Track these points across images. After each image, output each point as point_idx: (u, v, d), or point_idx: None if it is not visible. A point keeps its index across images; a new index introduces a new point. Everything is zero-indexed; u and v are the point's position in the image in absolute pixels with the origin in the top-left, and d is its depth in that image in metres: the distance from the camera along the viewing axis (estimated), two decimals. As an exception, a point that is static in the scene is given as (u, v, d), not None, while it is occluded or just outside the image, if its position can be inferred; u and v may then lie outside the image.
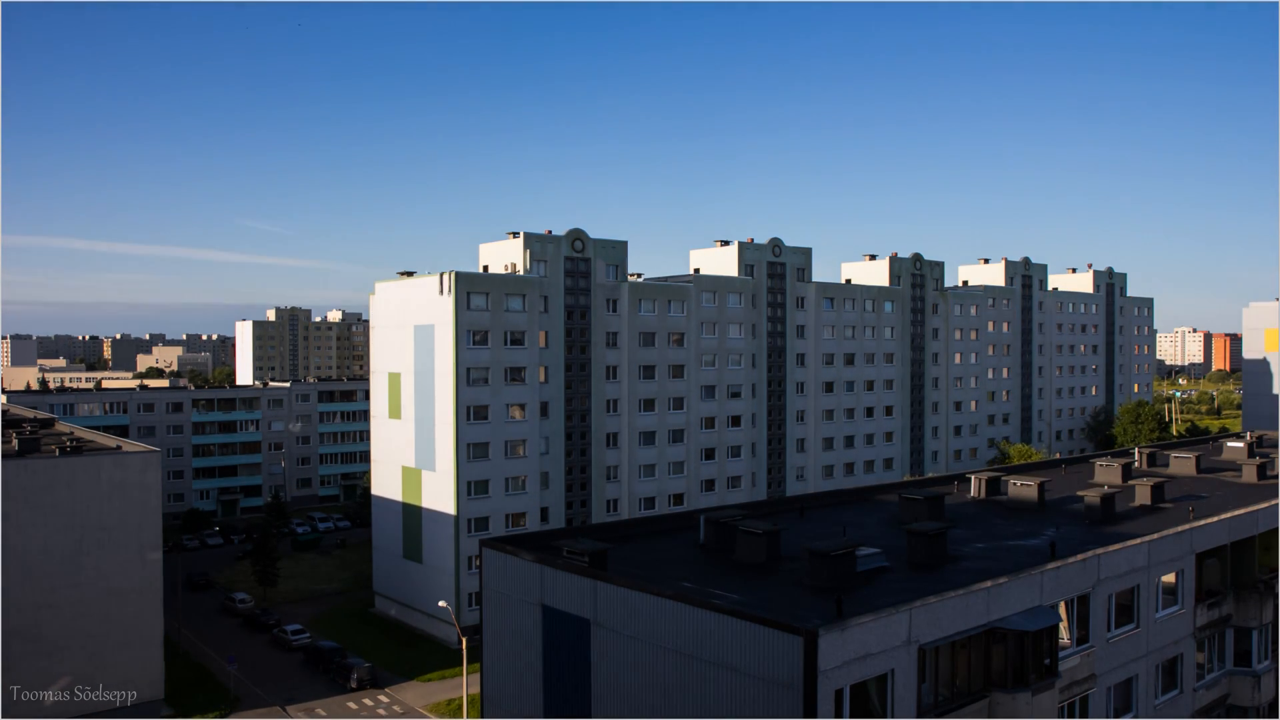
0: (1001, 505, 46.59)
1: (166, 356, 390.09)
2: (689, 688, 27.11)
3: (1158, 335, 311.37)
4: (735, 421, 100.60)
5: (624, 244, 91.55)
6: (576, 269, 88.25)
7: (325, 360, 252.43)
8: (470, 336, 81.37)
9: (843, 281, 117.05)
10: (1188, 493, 49.47)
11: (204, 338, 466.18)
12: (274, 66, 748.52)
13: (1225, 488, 51.39)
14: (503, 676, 34.62)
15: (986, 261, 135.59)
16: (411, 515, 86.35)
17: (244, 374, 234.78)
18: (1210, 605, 39.96)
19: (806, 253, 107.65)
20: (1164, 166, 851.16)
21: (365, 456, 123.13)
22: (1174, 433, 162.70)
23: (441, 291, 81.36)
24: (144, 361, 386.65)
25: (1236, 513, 41.59)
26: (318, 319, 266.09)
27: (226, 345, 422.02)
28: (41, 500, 59.39)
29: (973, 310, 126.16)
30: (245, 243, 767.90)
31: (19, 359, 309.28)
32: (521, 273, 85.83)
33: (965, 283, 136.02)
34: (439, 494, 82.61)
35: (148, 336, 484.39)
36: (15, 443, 66.22)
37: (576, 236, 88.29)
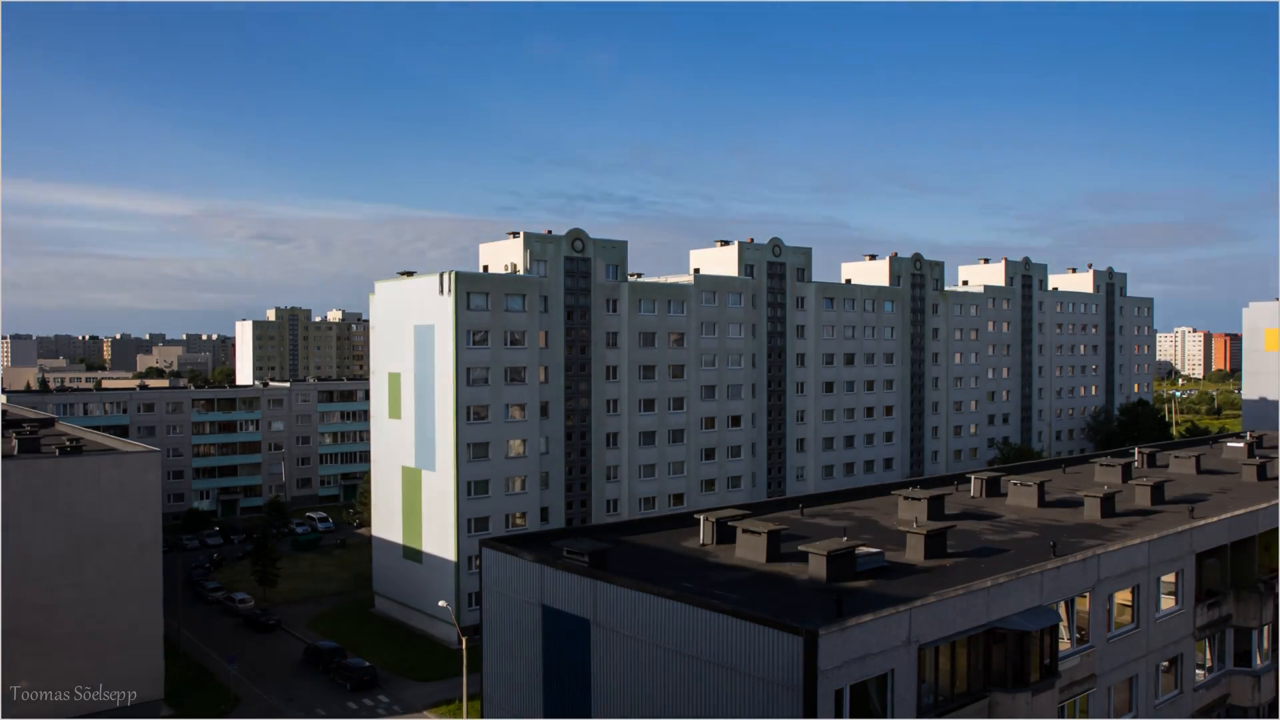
0: (1001, 505, 46.58)
1: (166, 356, 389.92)
2: (689, 688, 27.11)
3: (1158, 335, 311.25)
4: (735, 421, 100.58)
5: (624, 244, 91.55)
6: (576, 269, 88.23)
7: (325, 360, 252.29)
8: (470, 336, 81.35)
9: (843, 281, 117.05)
10: (1188, 493, 49.47)
11: (204, 338, 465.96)
12: (275, 66, 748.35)
13: (1225, 488, 51.39)
14: (503, 677, 34.61)
15: (986, 261, 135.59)
16: (411, 515, 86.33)
17: (244, 374, 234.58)
18: (1210, 605, 39.97)
19: (806, 253, 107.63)
20: (1164, 166, 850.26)
21: (365, 456, 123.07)
22: (1174, 434, 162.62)
23: (441, 291, 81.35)
24: (144, 361, 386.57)
25: (1236, 513, 41.61)
26: (318, 319, 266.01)
27: (226, 345, 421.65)
28: (41, 500, 59.28)
29: (973, 310, 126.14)
30: (245, 240, 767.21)
31: (19, 359, 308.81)
32: (521, 273, 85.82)
33: (965, 283, 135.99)
34: (439, 494, 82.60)
35: (148, 336, 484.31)
36: (15, 443, 66.13)
37: (576, 237, 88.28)
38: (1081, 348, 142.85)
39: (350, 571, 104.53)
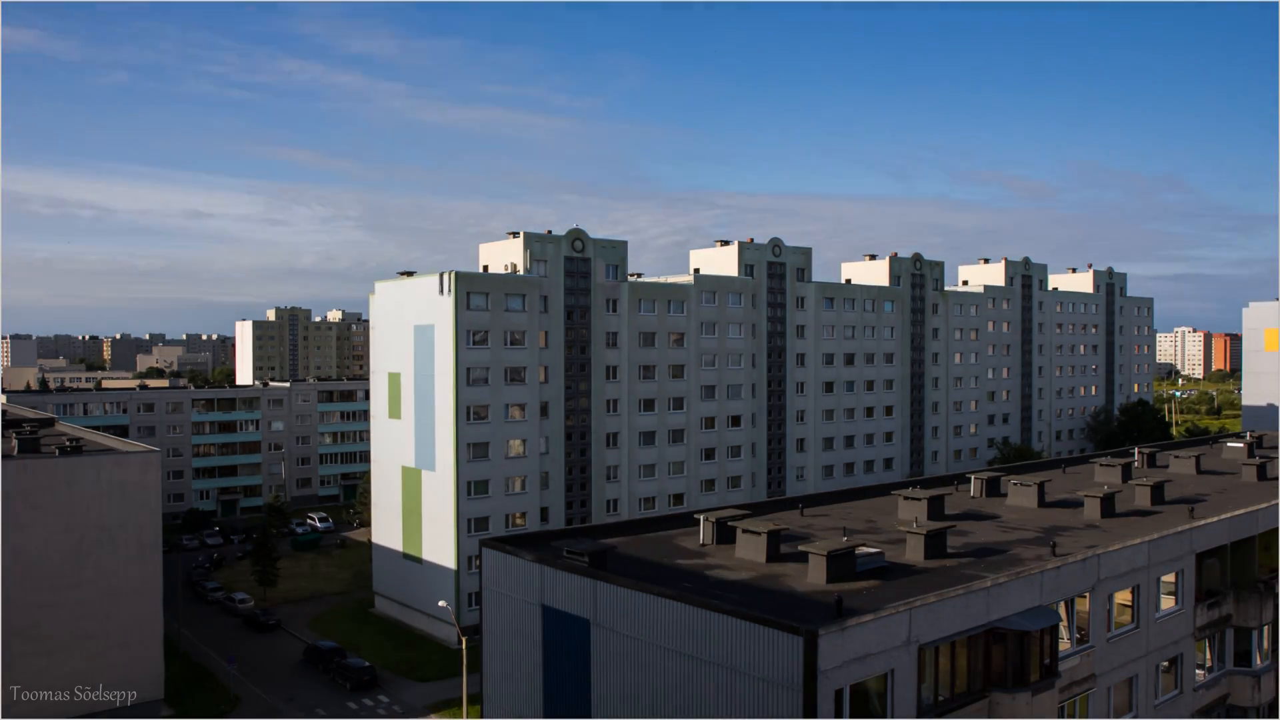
0: (1001, 505, 46.59)
1: (166, 356, 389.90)
2: (689, 688, 27.11)
3: (1158, 335, 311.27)
4: (735, 421, 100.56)
5: (624, 244, 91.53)
6: (576, 269, 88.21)
7: (325, 360, 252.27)
8: (470, 336, 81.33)
9: (843, 281, 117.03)
10: (1188, 493, 49.47)
11: (204, 338, 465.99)
12: (275, 64, 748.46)
13: (1225, 488, 51.39)
14: (503, 677, 34.61)
15: (986, 261, 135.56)
16: (411, 515, 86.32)
17: (244, 374, 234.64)
18: (1210, 605, 39.97)
19: (806, 253, 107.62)
20: (1164, 165, 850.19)
21: (365, 456, 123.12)
22: (1174, 434, 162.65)
23: (441, 291, 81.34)
24: (144, 361, 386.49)
25: (1236, 513, 41.61)
26: (318, 319, 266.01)
27: (226, 345, 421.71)
28: (41, 500, 59.34)
29: (973, 310, 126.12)
30: (246, 239, 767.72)
31: (19, 359, 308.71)
32: (521, 273, 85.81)
33: (965, 283, 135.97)
34: (439, 494, 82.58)
35: (148, 336, 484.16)
36: (15, 443, 66.17)
37: (576, 236, 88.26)
38: (1081, 348, 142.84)
39: (350, 571, 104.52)
